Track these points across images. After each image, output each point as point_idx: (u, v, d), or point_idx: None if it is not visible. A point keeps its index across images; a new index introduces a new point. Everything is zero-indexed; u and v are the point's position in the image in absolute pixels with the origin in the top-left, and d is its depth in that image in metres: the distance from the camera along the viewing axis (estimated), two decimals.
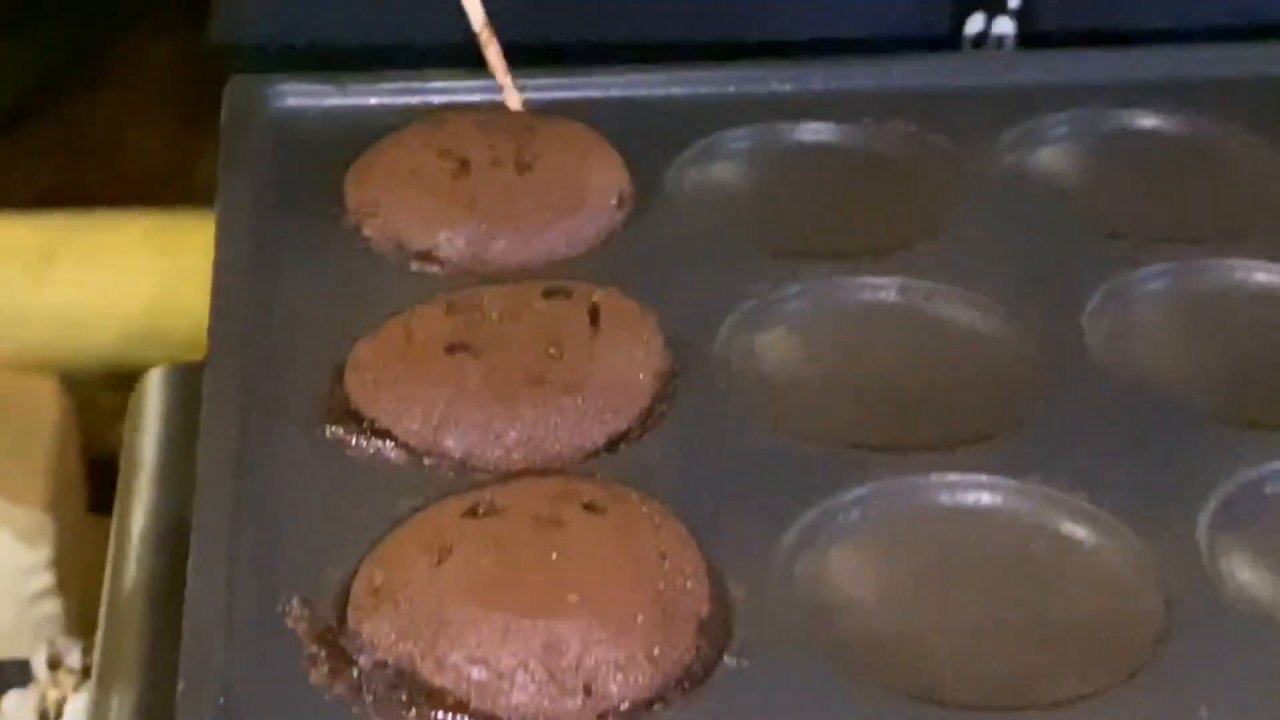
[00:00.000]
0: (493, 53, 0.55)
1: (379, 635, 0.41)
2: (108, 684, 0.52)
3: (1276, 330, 0.54)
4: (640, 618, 0.41)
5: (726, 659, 0.42)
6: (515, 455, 0.48)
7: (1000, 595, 0.45)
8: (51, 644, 0.84)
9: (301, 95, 0.62)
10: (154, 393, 0.61)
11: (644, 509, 0.45)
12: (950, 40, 0.68)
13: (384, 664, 0.41)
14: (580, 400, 0.48)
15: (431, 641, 0.40)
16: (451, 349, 0.49)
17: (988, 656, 0.43)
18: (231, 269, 0.54)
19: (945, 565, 0.46)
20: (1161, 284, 0.55)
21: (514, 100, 0.56)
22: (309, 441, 0.48)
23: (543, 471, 0.48)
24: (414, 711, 0.40)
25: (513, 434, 0.48)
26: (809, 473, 0.47)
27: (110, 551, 0.56)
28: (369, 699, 0.40)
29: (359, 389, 0.49)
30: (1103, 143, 0.62)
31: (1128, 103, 0.63)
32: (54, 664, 0.83)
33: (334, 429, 0.48)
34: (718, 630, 0.43)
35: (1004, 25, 0.67)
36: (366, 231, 0.56)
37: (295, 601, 0.43)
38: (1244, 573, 0.45)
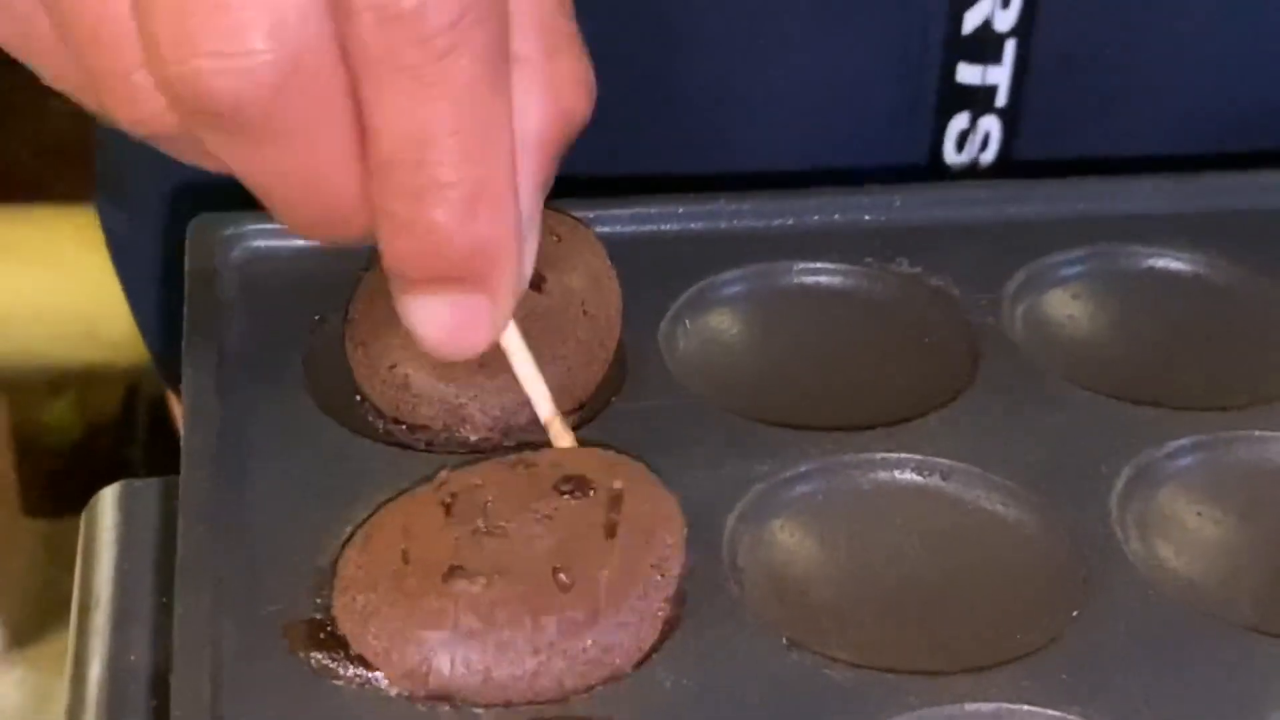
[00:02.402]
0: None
1: None
2: None
3: None
4: None
5: None
6: (512, 694, 0.44)
7: None
8: None
9: (270, 236, 0.58)
10: (107, 515, 0.57)
11: None
12: (935, 142, 0.66)
13: None
14: (589, 644, 0.44)
15: None
16: (450, 573, 0.44)
17: None
18: (199, 455, 0.49)
19: None
20: (1191, 460, 0.52)
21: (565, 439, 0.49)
22: (291, 670, 0.44)
23: (548, 704, 0.44)
24: None
25: (513, 680, 0.44)
26: (841, 700, 0.44)
27: (67, 701, 0.52)
28: None
29: (347, 616, 0.44)
30: (1117, 286, 0.59)
31: (1143, 239, 0.60)
32: None
33: (318, 657, 0.44)
34: None
35: (997, 74, 0.64)
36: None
37: None
38: None
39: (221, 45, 0.34)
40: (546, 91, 0.39)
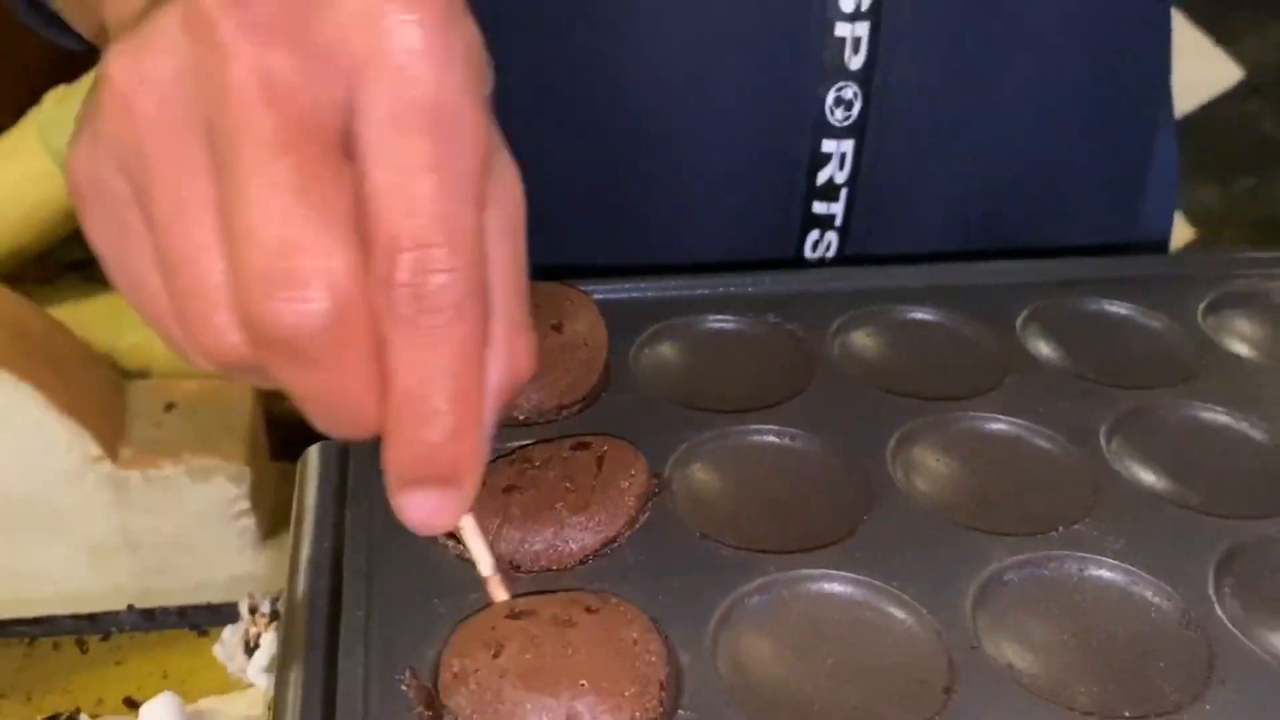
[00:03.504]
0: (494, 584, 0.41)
1: (460, 708, 0.38)
2: (286, 651, 0.47)
3: (1009, 462, 0.51)
4: (627, 692, 0.38)
5: (681, 713, 0.39)
6: (541, 557, 0.44)
7: (845, 653, 0.42)
8: (251, 596, 0.81)
9: None
10: (313, 461, 0.56)
11: (622, 609, 0.42)
12: (799, 247, 0.65)
13: None
14: (582, 518, 0.45)
15: (494, 715, 0.37)
16: (506, 490, 0.46)
17: (839, 696, 0.40)
18: None
19: (812, 634, 0.43)
20: (931, 431, 0.52)
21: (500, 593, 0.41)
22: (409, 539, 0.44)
23: (560, 572, 0.44)
24: None
25: (539, 544, 0.44)
26: (727, 569, 0.44)
27: (288, 569, 0.51)
28: None
29: None
30: (893, 330, 0.59)
31: (903, 300, 0.60)
32: (253, 609, 0.81)
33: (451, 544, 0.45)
34: (674, 688, 0.40)
35: (835, 208, 0.63)
36: None
37: (406, 672, 0.40)
38: (997, 638, 0.43)
39: (290, 292, 0.29)
40: (507, 361, 0.34)
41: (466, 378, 0.32)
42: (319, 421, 0.33)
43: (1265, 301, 0.62)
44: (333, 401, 0.32)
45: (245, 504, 0.92)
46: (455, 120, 0.30)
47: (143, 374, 1.16)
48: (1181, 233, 1.74)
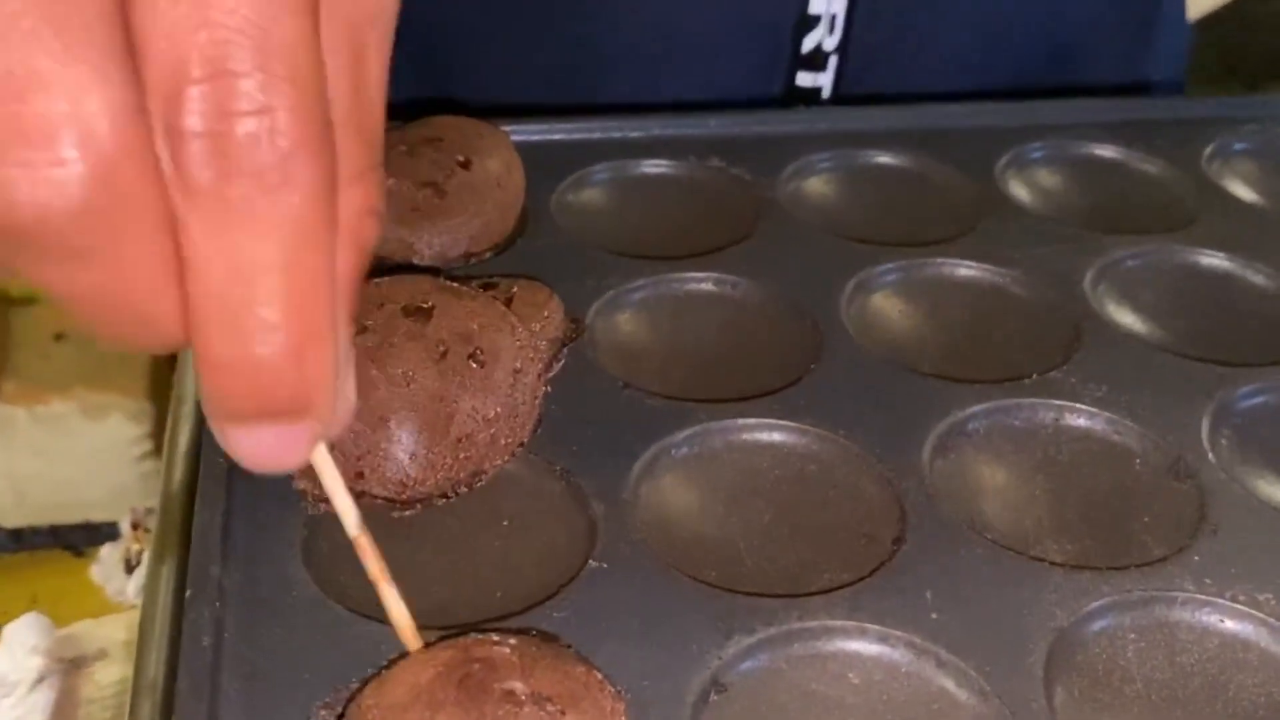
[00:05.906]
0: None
1: None
2: (160, 545, 0.44)
3: (974, 310, 0.49)
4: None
5: (590, 563, 0.36)
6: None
7: (783, 507, 0.39)
8: (134, 510, 0.79)
9: None
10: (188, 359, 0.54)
11: None
12: (785, 96, 0.62)
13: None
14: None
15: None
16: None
17: (774, 551, 0.38)
18: None
19: (746, 487, 0.40)
20: (893, 277, 0.50)
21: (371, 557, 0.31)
22: None
23: None
24: None
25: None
26: (653, 419, 0.42)
27: (164, 458, 0.48)
28: None
29: None
30: (852, 175, 0.56)
31: (869, 145, 0.57)
32: (135, 525, 0.78)
33: None
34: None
35: (823, 79, 0.61)
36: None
37: None
38: (956, 490, 0.40)
39: (28, 153, 0.21)
40: (345, 231, 0.24)
41: (309, 267, 0.23)
42: (97, 332, 0.24)
43: (1272, 146, 0.59)
44: (109, 309, 0.23)
45: (148, 445, 0.89)
46: None
47: (29, 301, 1.12)
48: None
